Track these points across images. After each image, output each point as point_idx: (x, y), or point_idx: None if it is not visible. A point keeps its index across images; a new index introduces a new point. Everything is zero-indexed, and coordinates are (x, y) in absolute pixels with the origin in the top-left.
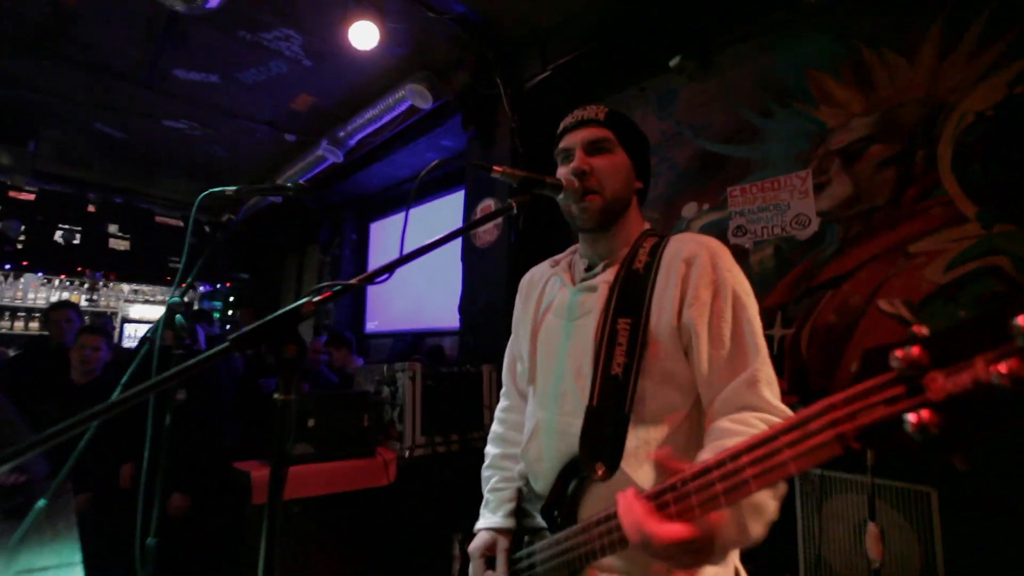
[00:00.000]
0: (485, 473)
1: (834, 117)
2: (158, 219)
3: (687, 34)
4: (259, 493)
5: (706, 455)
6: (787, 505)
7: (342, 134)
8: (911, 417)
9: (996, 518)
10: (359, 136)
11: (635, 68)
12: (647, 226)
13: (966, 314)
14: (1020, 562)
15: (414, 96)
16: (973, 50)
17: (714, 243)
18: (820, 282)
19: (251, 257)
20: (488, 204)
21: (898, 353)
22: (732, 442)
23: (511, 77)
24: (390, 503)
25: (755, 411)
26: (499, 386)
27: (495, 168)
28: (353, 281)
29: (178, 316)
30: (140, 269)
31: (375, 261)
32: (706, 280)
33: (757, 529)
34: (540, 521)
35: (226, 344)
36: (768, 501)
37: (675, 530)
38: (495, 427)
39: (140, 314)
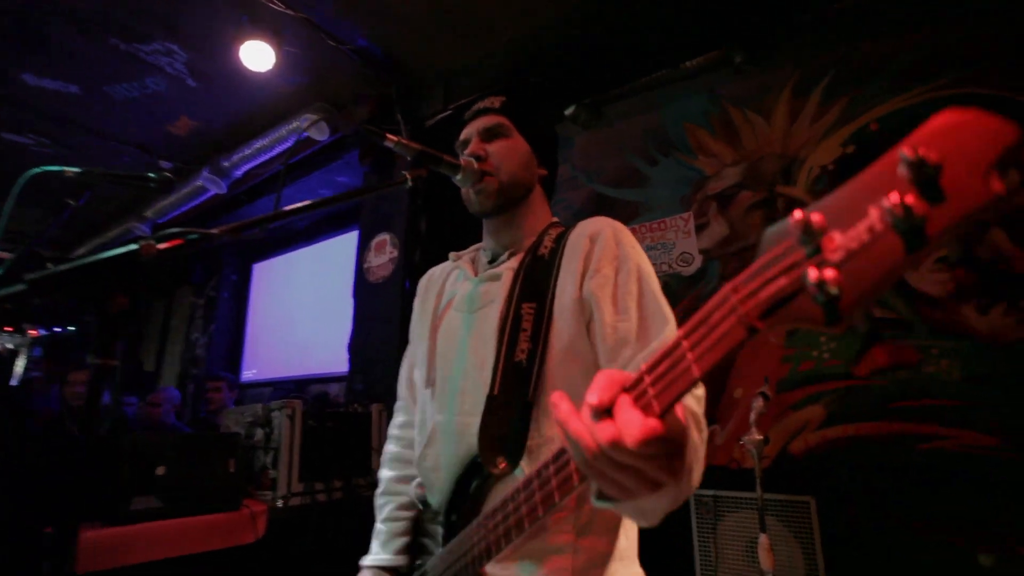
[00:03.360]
0: (378, 501)
1: (710, 166)
2: None
3: (581, 86)
4: (87, 558)
5: None
6: (683, 528)
7: (227, 164)
8: (811, 273)
9: (866, 518)
10: (246, 167)
11: None
12: (555, 219)
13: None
14: (888, 554)
15: (311, 128)
16: (814, 114)
17: (618, 223)
18: None
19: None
20: (384, 239)
21: (795, 216)
22: None
23: (411, 113)
24: (256, 563)
25: None
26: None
27: (389, 136)
28: (215, 230)
29: None
30: None
31: (257, 305)
32: (609, 255)
33: (702, 450)
34: (439, 546)
35: (22, 287)
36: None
37: (653, 423)
38: (389, 447)
39: None
